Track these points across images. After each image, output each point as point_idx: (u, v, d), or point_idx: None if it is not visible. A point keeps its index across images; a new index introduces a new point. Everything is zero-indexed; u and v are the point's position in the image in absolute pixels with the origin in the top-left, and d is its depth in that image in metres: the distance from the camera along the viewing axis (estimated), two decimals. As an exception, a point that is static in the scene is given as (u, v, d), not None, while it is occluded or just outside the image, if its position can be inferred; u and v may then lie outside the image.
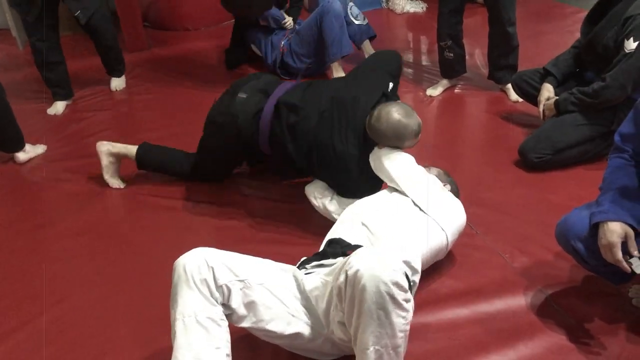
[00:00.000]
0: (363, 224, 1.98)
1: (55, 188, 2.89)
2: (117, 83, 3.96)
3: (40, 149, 3.19)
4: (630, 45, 2.47)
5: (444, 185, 2.20)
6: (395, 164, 2.15)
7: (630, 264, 1.66)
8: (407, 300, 1.47)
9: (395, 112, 2.16)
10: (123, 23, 4.56)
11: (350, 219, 2.04)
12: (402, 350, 1.54)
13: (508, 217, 2.42)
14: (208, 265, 1.62)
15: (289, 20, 3.93)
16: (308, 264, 1.84)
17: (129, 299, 2.14)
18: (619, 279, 1.88)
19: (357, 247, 1.85)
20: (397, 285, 1.43)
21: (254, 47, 4.05)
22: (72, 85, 3.77)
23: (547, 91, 2.84)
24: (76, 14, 3.53)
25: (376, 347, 1.48)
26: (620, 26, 2.52)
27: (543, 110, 2.82)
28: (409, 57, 4.16)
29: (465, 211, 2.43)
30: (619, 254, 1.65)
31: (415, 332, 1.89)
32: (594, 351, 1.79)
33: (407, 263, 1.78)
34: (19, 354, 1.94)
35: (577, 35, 2.86)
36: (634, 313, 1.92)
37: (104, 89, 3.93)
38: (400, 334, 1.49)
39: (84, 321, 2.05)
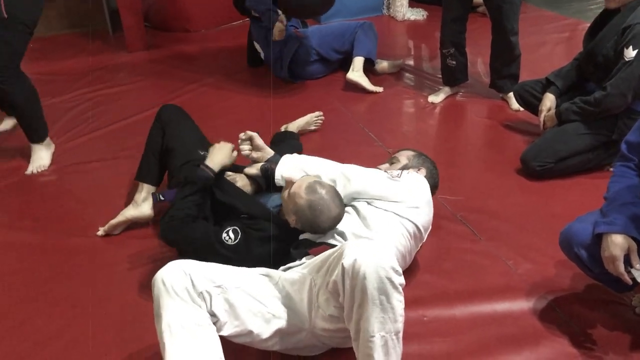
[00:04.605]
0: None
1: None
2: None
3: None
4: (630, 53, 2.51)
5: (418, 170, 2.23)
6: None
7: (631, 274, 1.68)
8: (402, 285, 1.52)
9: (320, 198, 1.90)
10: (124, 22, 4.56)
11: None
12: (401, 336, 1.57)
13: (511, 224, 2.44)
14: (185, 273, 1.64)
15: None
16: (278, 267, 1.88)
17: (116, 305, 2.12)
18: (621, 287, 1.89)
19: (321, 244, 1.89)
20: (394, 269, 1.49)
21: (256, 45, 4.00)
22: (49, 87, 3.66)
23: (549, 101, 2.86)
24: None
25: (381, 334, 1.51)
26: (619, 36, 2.57)
27: (544, 121, 2.85)
28: (410, 63, 4.18)
29: (468, 218, 2.47)
30: (621, 267, 1.67)
31: (419, 335, 1.91)
32: (597, 356, 1.81)
33: None
34: None
35: (577, 46, 2.89)
36: (637, 321, 1.94)
37: (87, 91, 3.87)
38: (400, 318, 1.53)
39: (70, 328, 2.03)
